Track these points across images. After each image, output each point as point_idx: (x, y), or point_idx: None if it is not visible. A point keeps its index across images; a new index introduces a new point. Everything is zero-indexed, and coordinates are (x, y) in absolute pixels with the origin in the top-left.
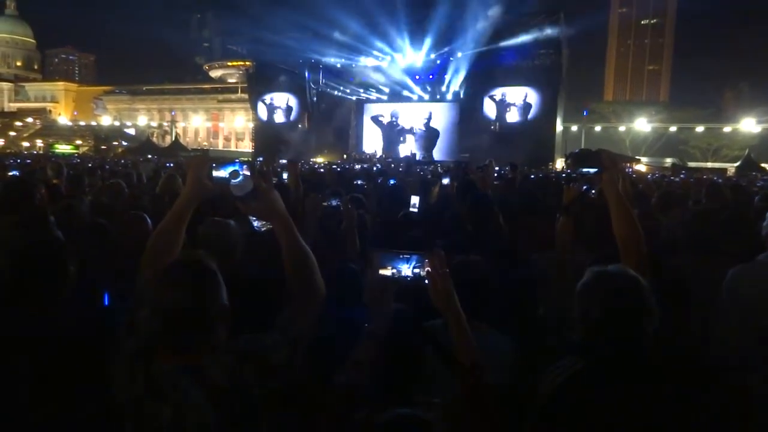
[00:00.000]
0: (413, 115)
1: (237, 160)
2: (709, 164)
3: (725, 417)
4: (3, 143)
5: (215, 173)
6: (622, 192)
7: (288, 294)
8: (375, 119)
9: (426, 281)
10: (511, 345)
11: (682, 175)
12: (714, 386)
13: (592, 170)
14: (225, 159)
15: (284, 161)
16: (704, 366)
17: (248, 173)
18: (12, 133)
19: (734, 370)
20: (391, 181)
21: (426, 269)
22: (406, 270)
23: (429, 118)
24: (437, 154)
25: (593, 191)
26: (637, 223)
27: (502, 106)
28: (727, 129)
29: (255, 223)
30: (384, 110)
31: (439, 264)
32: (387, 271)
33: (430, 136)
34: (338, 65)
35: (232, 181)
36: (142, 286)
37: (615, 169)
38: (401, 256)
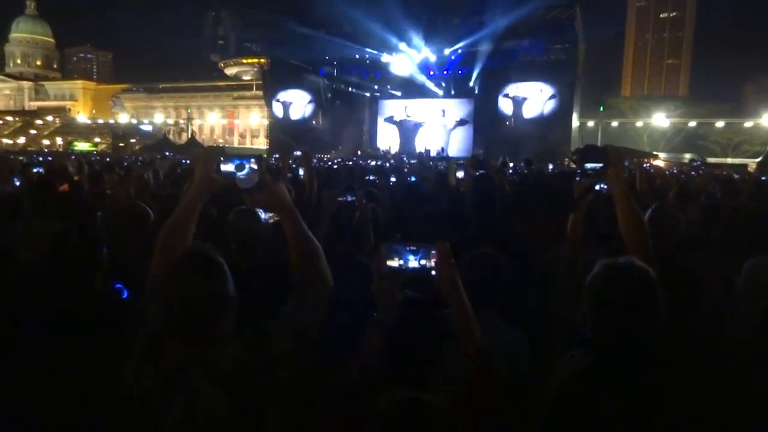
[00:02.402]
0: (428, 111)
1: (252, 158)
2: (729, 160)
3: (731, 412)
4: (24, 141)
5: (223, 167)
6: (639, 187)
7: (294, 284)
8: (389, 119)
9: (432, 272)
10: (519, 336)
11: (701, 167)
12: (720, 382)
13: (597, 166)
14: (232, 154)
15: (298, 153)
16: (713, 361)
17: (255, 166)
18: (33, 132)
19: (742, 366)
20: (412, 178)
21: (433, 260)
22: (413, 261)
23: (443, 115)
24: (452, 150)
25: (605, 186)
26: (641, 219)
27: (518, 101)
28: (747, 124)
29: (262, 215)
30: (398, 106)
31: (445, 255)
32: (394, 263)
33: (444, 133)
34: (352, 62)
35: (238, 173)
36: (152, 279)
37: (621, 165)
38: (408, 248)
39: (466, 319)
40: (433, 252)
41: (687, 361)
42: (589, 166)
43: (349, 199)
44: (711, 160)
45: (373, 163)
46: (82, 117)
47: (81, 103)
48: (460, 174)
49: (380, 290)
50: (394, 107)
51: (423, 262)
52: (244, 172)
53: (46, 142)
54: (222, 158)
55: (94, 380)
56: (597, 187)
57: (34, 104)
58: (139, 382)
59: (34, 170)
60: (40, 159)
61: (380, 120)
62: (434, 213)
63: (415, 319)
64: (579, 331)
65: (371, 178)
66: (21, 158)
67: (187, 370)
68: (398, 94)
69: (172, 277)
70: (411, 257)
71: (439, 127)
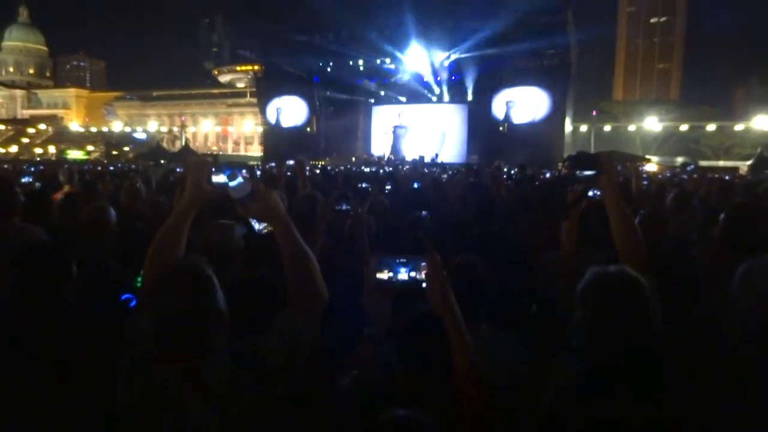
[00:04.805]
0: (421, 117)
1: (244, 168)
2: (721, 163)
3: (730, 413)
4: (17, 150)
5: (215, 177)
6: (634, 191)
7: (288, 296)
8: (396, 127)
9: (423, 284)
10: (513, 344)
11: (694, 171)
12: (715, 387)
13: (590, 172)
14: (224, 163)
15: (291, 162)
16: (708, 367)
17: (247, 175)
18: (25, 140)
19: (738, 370)
20: (415, 185)
21: (424, 272)
22: (403, 274)
23: (437, 121)
24: (446, 156)
25: (598, 193)
26: (635, 226)
27: (511, 107)
28: (738, 127)
29: (256, 225)
30: (392, 113)
31: (435, 267)
32: (383, 275)
33: (437, 139)
34: (345, 68)
35: (230, 183)
36: (144, 292)
37: (613, 172)
38: (398, 260)
39: (457, 331)
40: (423, 264)
41: (683, 366)
42: (580, 173)
43: (344, 207)
44: (703, 163)
45: (368, 170)
46: (75, 125)
47: (74, 112)
48: (444, 176)
49: (370, 303)
50: (386, 113)
51: (413, 274)
52: (237, 181)
53: (38, 150)
54: (214, 168)
55: (62, 395)
56: (590, 194)
57: (27, 112)
58: (128, 395)
59: (24, 180)
60: (32, 169)
61: (374, 125)
62: (432, 220)
63: (424, 334)
64: (573, 338)
65: (364, 185)
66: (5, 166)
67: (176, 386)
68: (391, 100)
69: (161, 289)
70: (401, 269)
71: (433, 133)
